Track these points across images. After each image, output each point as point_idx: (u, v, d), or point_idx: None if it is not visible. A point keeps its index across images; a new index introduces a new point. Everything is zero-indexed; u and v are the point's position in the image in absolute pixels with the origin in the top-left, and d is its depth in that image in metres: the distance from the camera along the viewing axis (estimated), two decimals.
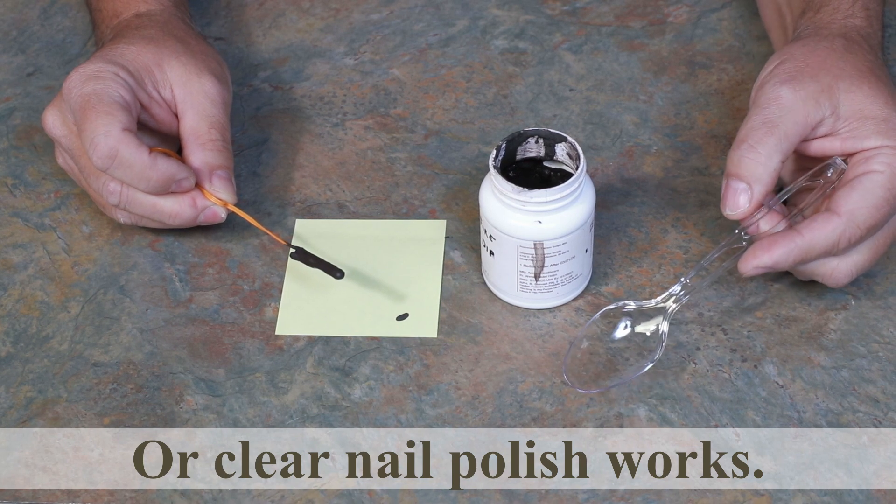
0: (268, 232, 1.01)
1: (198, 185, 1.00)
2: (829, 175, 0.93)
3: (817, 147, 0.95)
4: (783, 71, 0.95)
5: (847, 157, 0.94)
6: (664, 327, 0.94)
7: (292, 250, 1.00)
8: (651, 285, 0.99)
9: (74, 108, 0.98)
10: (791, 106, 0.93)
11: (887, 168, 0.92)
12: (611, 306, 0.95)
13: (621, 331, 0.96)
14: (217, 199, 1.00)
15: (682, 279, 0.94)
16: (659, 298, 0.95)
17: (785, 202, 0.96)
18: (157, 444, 0.93)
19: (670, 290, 0.95)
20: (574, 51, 1.15)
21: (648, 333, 0.95)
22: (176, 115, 1.02)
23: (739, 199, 0.92)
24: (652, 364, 0.93)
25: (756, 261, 0.92)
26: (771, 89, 0.94)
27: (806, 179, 0.95)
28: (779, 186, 0.98)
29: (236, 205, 1.01)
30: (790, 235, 0.91)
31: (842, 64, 0.95)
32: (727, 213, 0.93)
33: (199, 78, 1.02)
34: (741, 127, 0.94)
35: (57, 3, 1.22)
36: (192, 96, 1.02)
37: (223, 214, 1.01)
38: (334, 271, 0.98)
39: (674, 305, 0.94)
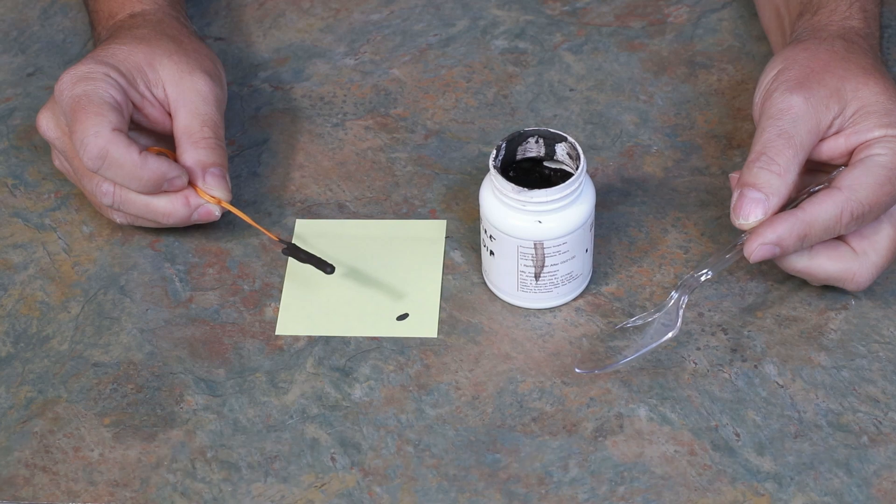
0: (260, 228, 1.01)
1: (191, 184, 1.00)
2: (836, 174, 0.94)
3: (824, 148, 0.95)
4: (790, 77, 0.95)
5: (851, 152, 0.94)
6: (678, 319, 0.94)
7: (284, 246, 1.00)
8: (651, 285, 0.99)
9: (66, 110, 0.98)
10: (804, 115, 0.93)
11: (889, 151, 0.92)
12: (628, 324, 0.96)
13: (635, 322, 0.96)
14: (210, 197, 1.00)
15: (688, 277, 0.95)
16: (661, 306, 0.95)
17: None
18: (158, 444, 0.93)
19: (671, 296, 0.95)
20: (574, 51, 1.15)
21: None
22: (169, 115, 1.02)
23: (754, 210, 0.92)
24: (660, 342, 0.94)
25: (759, 238, 0.91)
26: (781, 98, 0.94)
27: (813, 189, 0.95)
28: None
29: (231, 202, 1.01)
30: (792, 212, 0.92)
31: (845, 65, 0.95)
32: (739, 221, 0.92)
33: (191, 76, 1.02)
34: (756, 139, 0.93)
35: (57, 3, 1.22)
36: (185, 95, 1.02)
37: (217, 212, 1.01)
38: (325, 266, 0.98)
39: (684, 300, 0.94)
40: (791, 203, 0.94)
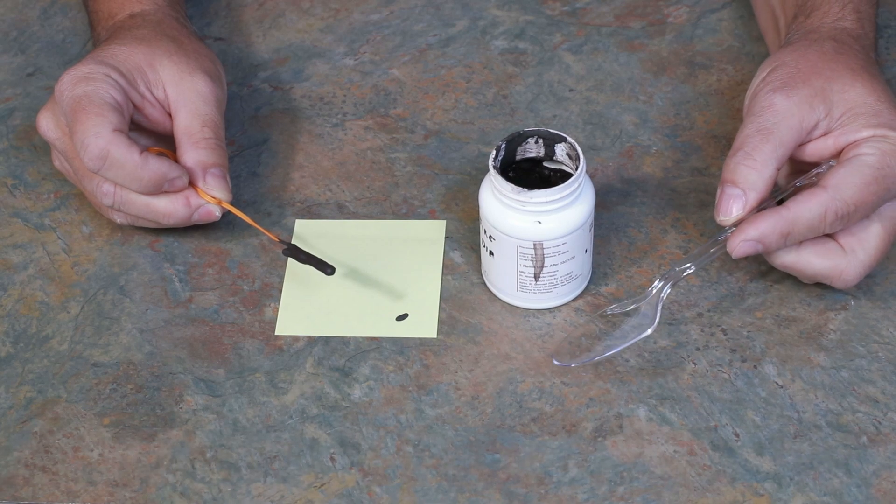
0: (261, 228, 1.01)
1: (192, 184, 1.01)
2: (823, 173, 0.94)
3: (812, 149, 0.95)
4: (775, 78, 0.95)
5: (839, 153, 0.94)
6: (657, 310, 0.94)
7: (284, 247, 1.00)
8: (651, 285, 0.99)
9: (66, 111, 0.99)
10: (785, 112, 0.93)
11: (877, 150, 0.92)
12: (607, 311, 0.96)
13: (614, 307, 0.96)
14: (211, 198, 1.00)
15: (670, 269, 0.95)
16: (643, 296, 0.95)
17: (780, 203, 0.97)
18: (157, 444, 0.93)
19: (653, 285, 0.95)
20: (574, 51, 1.15)
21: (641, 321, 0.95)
22: (170, 115, 1.03)
23: (732, 206, 0.92)
24: (639, 338, 0.94)
25: (742, 234, 0.92)
26: (764, 97, 0.94)
27: (799, 181, 0.95)
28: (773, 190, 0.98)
29: (231, 202, 1.01)
30: (776, 210, 0.92)
31: (833, 66, 0.95)
32: (720, 218, 0.93)
33: (191, 77, 1.02)
34: (737, 136, 0.94)
35: (57, 3, 1.22)
36: (185, 95, 1.02)
37: (218, 213, 1.01)
38: (325, 267, 0.98)
39: (665, 291, 0.94)
40: (776, 193, 0.94)
